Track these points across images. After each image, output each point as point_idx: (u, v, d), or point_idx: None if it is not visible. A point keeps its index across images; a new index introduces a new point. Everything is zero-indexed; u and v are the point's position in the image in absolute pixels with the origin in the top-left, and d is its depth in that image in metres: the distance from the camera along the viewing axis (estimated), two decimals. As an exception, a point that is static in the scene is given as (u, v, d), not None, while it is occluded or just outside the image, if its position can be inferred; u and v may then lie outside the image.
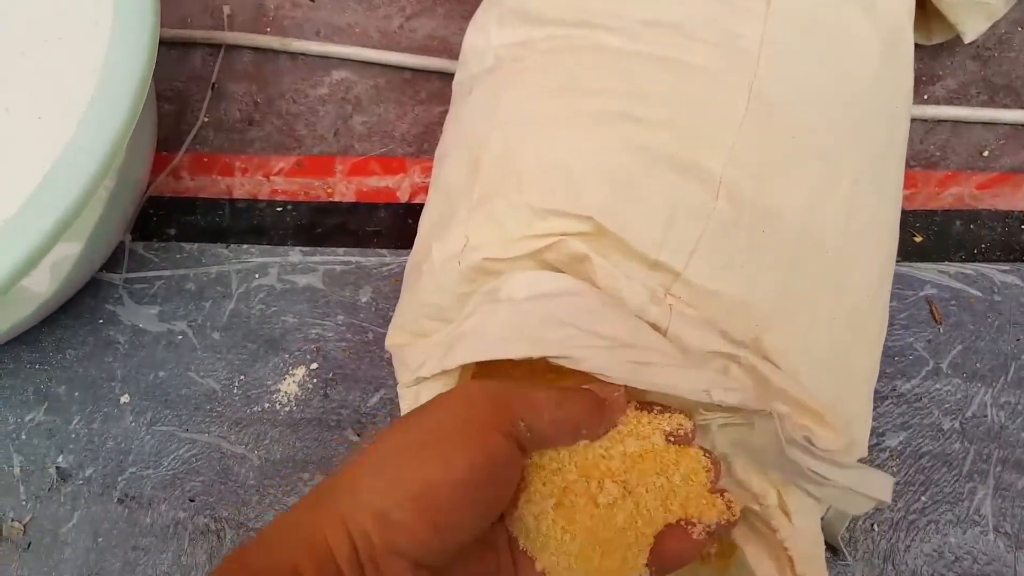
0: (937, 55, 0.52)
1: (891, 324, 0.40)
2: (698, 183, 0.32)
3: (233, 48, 0.53)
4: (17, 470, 0.43)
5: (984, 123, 0.50)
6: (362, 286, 0.47)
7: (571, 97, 0.35)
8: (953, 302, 0.46)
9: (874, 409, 0.35)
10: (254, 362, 0.45)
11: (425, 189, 0.49)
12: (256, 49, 0.53)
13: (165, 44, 0.51)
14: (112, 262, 0.47)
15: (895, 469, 0.42)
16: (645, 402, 0.30)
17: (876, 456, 0.43)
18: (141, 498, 0.42)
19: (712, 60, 0.35)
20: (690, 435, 0.30)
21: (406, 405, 0.34)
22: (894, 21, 0.38)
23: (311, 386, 0.44)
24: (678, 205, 0.32)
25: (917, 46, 0.42)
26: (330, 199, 0.49)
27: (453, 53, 0.49)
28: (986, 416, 0.43)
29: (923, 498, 0.42)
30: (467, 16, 0.43)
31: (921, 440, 0.43)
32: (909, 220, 0.48)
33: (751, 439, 0.30)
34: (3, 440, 0.44)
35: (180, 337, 0.46)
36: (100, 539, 0.42)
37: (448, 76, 0.49)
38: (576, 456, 0.28)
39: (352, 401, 0.44)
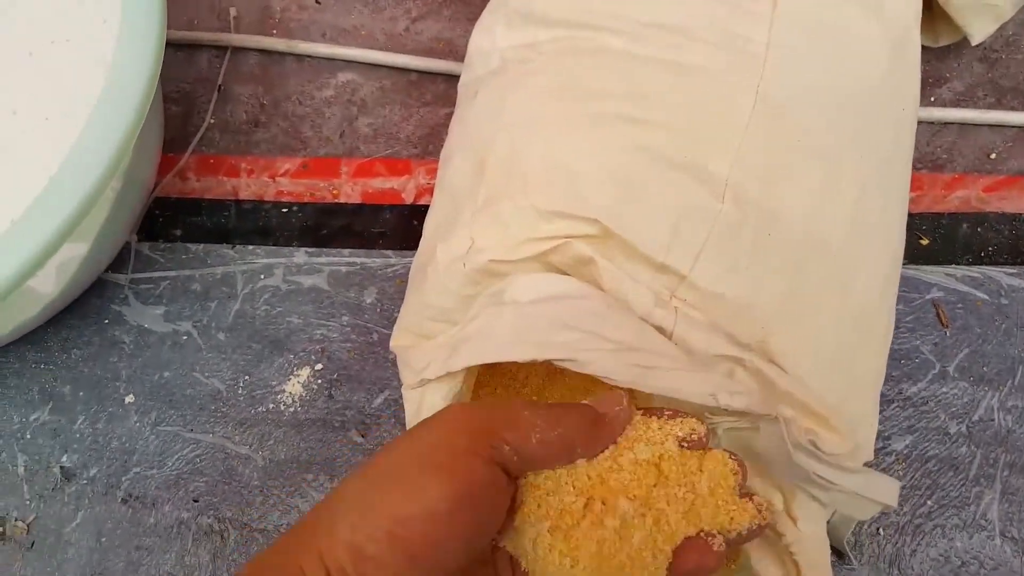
0: (944, 57, 0.52)
1: (897, 327, 0.40)
2: (704, 185, 0.32)
3: (239, 50, 0.53)
4: (21, 469, 0.43)
5: (991, 125, 0.50)
6: (367, 287, 0.47)
7: (577, 99, 0.35)
8: (960, 305, 0.46)
9: (880, 413, 0.35)
10: (259, 363, 0.45)
11: (430, 191, 0.49)
12: (262, 51, 0.53)
13: (172, 46, 0.51)
14: (118, 262, 0.47)
15: (901, 473, 0.42)
16: (650, 408, 0.29)
17: (882, 460, 0.42)
18: (145, 498, 0.42)
19: (718, 62, 0.35)
20: (704, 439, 0.28)
21: (410, 407, 0.34)
22: (901, 23, 0.38)
23: (315, 387, 0.44)
24: (684, 207, 0.32)
25: (924, 48, 0.42)
26: (335, 200, 0.49)
27: (459, 55, 0.49)
28: (993, 420, 0.43)
29: (929, 502, 0.42)
30: (473, 18, 0.43)
31: (927, 444, 0.43)
32: (916, 223, 0.47)
33: (757, 443, 0.30)
34: (8, 439, 0.44)
35: (185, 337, 0.46)
36: (104, 539, 0.42)
37: (453, 78, 0.49)
38: (575, 475, 0.27)
39: (356, 402, 0.44)
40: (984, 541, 0.41)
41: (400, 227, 0.48)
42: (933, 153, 0.50)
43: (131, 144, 0.36)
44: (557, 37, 0.37)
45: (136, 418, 0.44)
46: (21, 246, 0.33)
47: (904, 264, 0.37)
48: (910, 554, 0.41)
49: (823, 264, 0.33)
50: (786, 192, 0.33)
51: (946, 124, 0.50)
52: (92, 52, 0.37)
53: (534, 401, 0.36)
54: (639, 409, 0.28)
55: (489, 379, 0.38)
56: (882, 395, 0.35)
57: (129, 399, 0.44)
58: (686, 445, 0.28)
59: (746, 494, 0.28)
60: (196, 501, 0.42)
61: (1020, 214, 0.48)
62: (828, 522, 0.32)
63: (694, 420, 0.28)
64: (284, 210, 0.49)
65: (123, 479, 0.43)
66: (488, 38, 0.40)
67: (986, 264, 0.47)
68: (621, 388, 0.29)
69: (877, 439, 0.34)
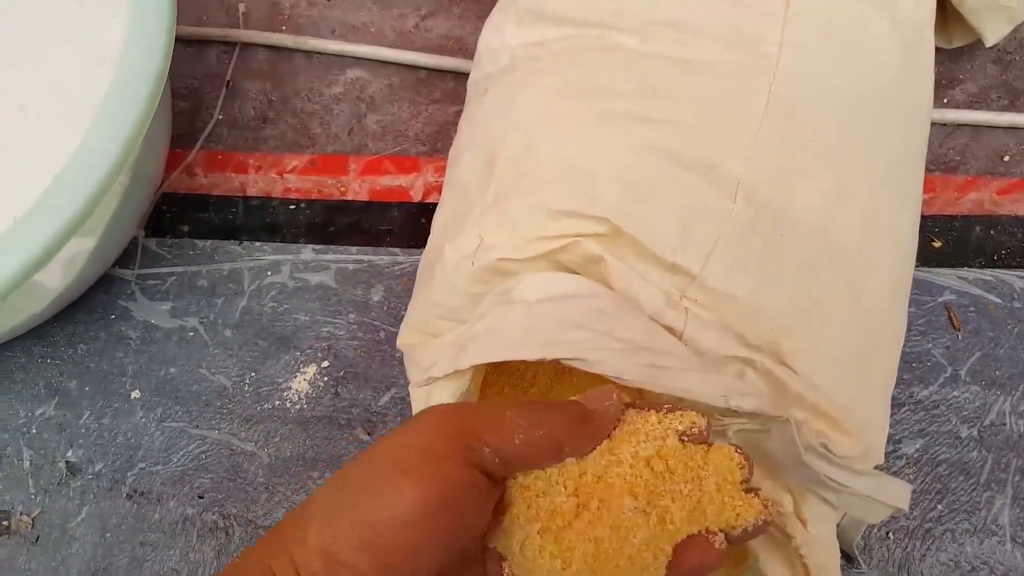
0: (957, 59, 0.51)
1: (909, 330, 0.39)
2: (715, 185, 0.32)
3: (248, 46, 0.53)
4: (27, 464, 0.43)
5: (1004, 128, 0.50)
6: (374, 285, 0.47)
7: (586, 97, 0.35)
8: (972, 308, 0.45)
9: (891, 416, 0.34)
10: (265, 359, 0.45)
11: (438, 188, 0.48)
12: (271, 47, 0.53)
13: (180, 42, 0.51)
14: (125, 258, 0.47)
15: (912, 477, 0.42)
16: (646, 402, 0.28)
17: (892, 463, 0.42)
18: (150, 494, 0.42)
19: (728, 61, 0.35)
20: (704, 433, 0.27)
21: (417, 405, 0.34)
22: (914, 24, 0.38)
23: (322, 384, 0.44)
24: (694, 207, 0.32)
25: (937, 49, 0.41)
26: (343, 198, 0.49)
27: (468, 53, 0.49)
28: (1005, 424, 0.43)
29: (939, 507, 0.41)
30: (482, 16, 0.43)
31: (938, 448, 0.42)
32: (928, 225, 0.47)
33: (767, 445, 0.30)
34: (13, 434, 0.44)
35: (192, 333, 0.46)
36: (108, 534, 0.42)
37: (463, 76, 0.48)
38: (567, 475, 0.26)
39: (363, 400, 0.44)
40: (995, 546, 0.40)
41: (408, 225, 0.48)
42: (946, 155, 0.49)
43: (139, 140, 0.36)
44: (567, 35, 0.37)
45: (142, 414, 0.44)
46: (28, 241, 0.33)
47: (916, 266, 0.37)
48: (920, 559, 0.40)
49: (835, 265, 0.32)
50: (798, 192, 0.33)
51: (959, 126, 0.50)
52: (101, 47, 0.37)
53: (519, 401, 0.36)
54: (634, 403, 0.27)
55: (497, 378, 0.38)
56: (893, 398, 0.34)
57: (135, 395, 0.44)
58: (687, 439, 0.27)
59: (751, 489, 0.26)
60: (201, 497, 0.42)
61: (1033, 217, 0.48)
62: (838, 525, 0.32)
63: (694, 413, 0.27)
64: (292, 207, 0.49)
65: (128, 475, 0.43)
66: (498, 36, 0.40)
67: (999, 267, 0.46)
68: (627, 387, 0.29)
69: (888, 443, 0.34)
